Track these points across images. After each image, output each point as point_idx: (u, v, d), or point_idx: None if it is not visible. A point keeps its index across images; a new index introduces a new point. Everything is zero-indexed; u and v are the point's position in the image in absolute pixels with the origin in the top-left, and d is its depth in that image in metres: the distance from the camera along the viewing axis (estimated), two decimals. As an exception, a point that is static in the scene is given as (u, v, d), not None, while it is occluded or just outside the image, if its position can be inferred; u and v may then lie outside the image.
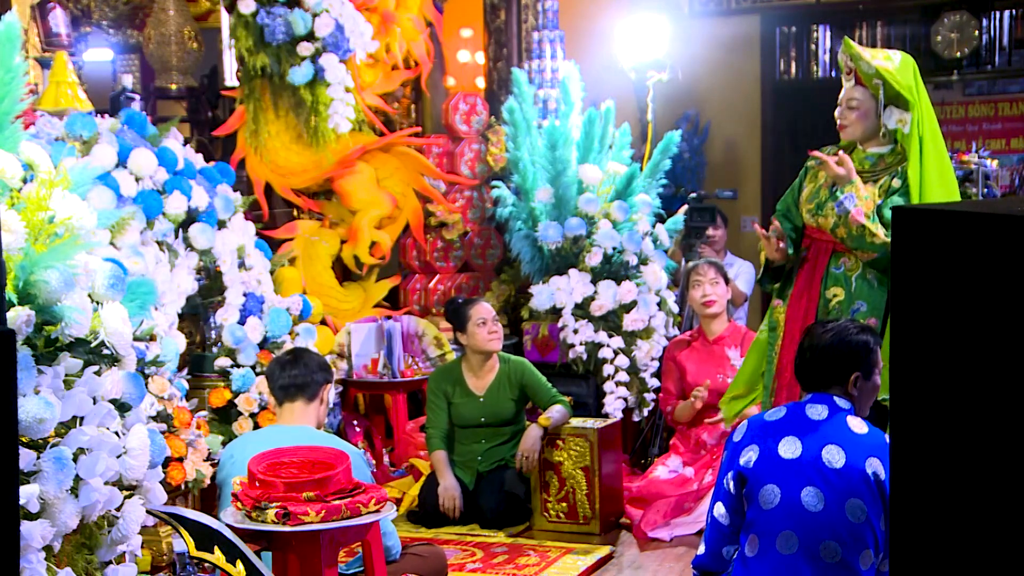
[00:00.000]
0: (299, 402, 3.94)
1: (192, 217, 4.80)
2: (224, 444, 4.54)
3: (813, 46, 8.37)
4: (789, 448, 3.19)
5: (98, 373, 2.96)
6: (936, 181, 4.13)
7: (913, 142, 4.11)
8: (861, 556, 3.14)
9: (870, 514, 3.12)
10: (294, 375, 3.96)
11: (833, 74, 8.12)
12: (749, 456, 3.22)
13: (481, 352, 5.42)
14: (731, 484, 3.25)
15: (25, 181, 3.02)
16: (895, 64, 4.14)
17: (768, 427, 3.26)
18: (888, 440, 3.22)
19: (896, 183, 4.13)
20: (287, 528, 3.15)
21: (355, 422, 6.17)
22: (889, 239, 4.00)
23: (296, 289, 5.71)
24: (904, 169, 4.13)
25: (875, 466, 3.15)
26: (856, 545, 3.12)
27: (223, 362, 4.87)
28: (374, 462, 5.87)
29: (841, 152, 4.23)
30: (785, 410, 3.31)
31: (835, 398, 3.26)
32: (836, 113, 4.29)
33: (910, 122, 4.11)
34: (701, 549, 3.34)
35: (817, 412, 3.24)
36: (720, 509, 3.28)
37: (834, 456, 3.15)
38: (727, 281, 5.55)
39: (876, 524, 3.14)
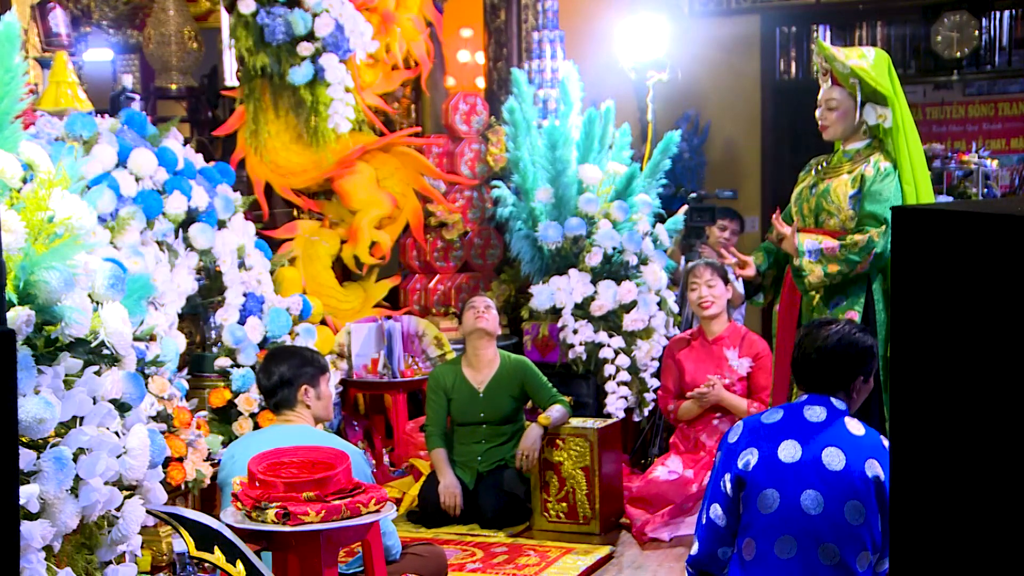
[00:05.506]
0: (283, 406, 3.93)
1: (192, 217, 4.80)
2: (224, 444, 4.54)
3: (813, 46, 8.37)
4: (789, 452, 3.15)
5: (98, 373, 2.96)
6: (920, 170, 4.25)
7: (899, 136, 4.20)
8: (859, 557, 3.12)
9: (868, 516, 3.10)
10: (265, 384, 3.96)
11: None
12: (748, 459, 3.18)
13: (472, 333, 5.44)
14: (728, 486, 3.20)
15: (25, 181, 3.02)
16: (869, 61, 4.20)
17: (766, 430, 3.22)
18: (886, 442, 3.24)
19: (869, 172, 4.19)
20: (287, 528, 3.15)
21: (355, 422, 6.17)
22: (857, 238, 4.16)
23: (296, 289, 5.71)
24: (876, 160, 4.20)
25: (875, 468, 3.12)
26: (854, 547, 3.10)
27: (223, 362, 4.87)
28: (374, 462, 5.86)
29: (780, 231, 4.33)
30: (782, 412, 3.26)
31: (832, 399, 3.22)
32: (817, 115, 4.33)
33: (891, 117, 4.19)
34: (695, 548, 3.29)
35: (815, 414, 3.20)
36: (717, 510, 3.24)
37: (834, 458, 3.12)
38: (726, 282, 5.55)
39: (875, 526, 3.12)
